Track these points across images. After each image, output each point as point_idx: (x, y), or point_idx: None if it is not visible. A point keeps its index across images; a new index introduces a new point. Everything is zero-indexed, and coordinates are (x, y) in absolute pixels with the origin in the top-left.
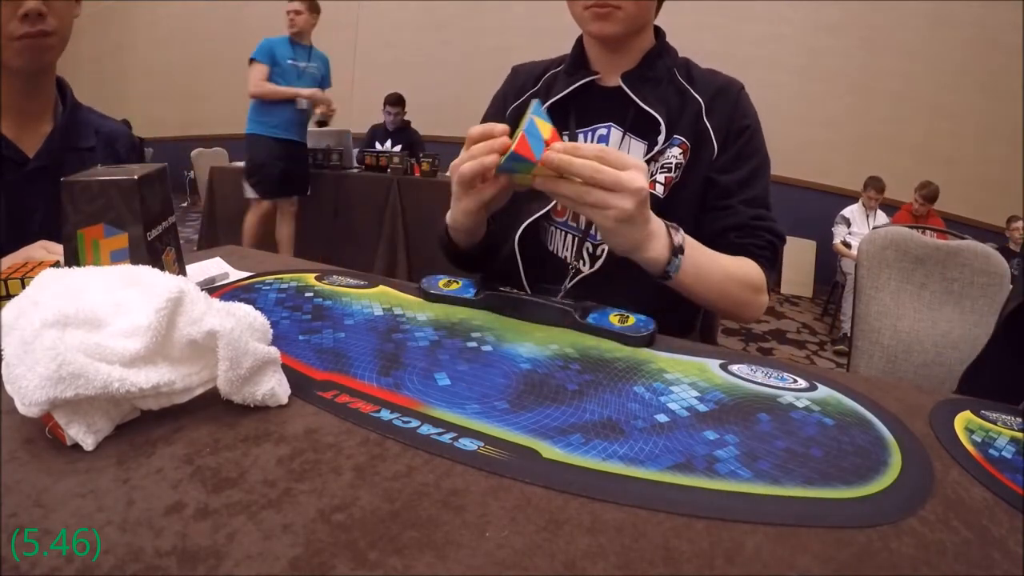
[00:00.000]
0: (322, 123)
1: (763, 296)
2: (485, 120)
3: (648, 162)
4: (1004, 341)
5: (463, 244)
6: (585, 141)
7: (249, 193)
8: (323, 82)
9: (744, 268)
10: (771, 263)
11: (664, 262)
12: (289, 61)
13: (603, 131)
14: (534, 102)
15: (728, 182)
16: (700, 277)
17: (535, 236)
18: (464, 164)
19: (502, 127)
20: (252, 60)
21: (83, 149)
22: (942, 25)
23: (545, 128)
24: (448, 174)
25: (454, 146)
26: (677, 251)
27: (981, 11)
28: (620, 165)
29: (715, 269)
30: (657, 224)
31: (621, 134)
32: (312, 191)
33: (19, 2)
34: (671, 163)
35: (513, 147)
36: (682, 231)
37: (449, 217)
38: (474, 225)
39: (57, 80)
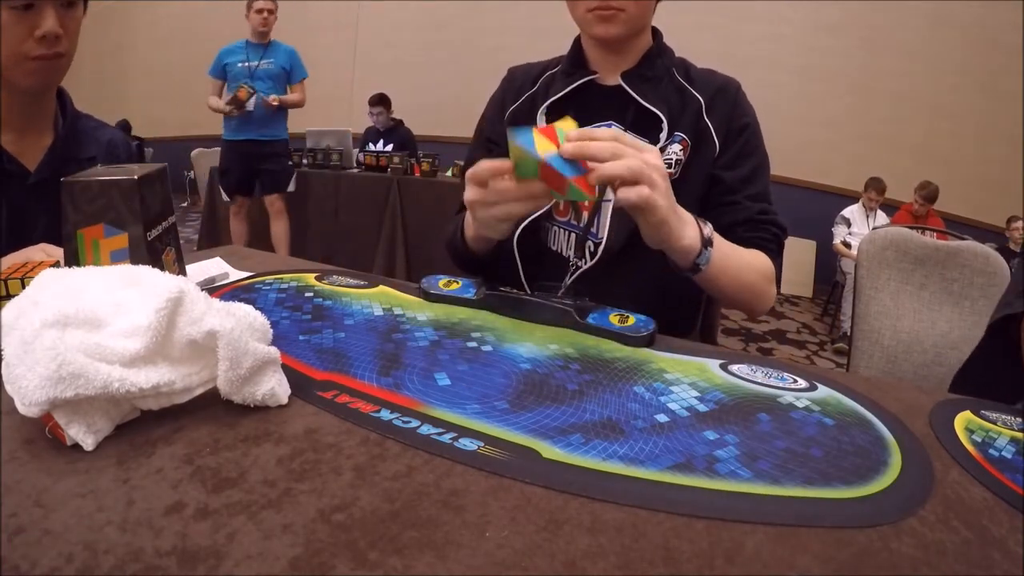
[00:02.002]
0: (237, 104)
1: (773, 287)
2: (483, 123)
3: None
4: (995, 343)
5: (481, 251)
6: None
7: (223, 196)
8: (291, 75)
9: (758, 259)
10: (777, 255)
11: (695, 253)
12: (240, 64)
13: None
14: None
15: (732, 179)
16: (725, 269)
17: (535, 235)
18: (493, 211)
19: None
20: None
21: (84, 160)
22: (942, 25)
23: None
24: (464, 192)
25: (453, 146)
26: (707, 243)
27: (981, 11)
28: (635, 146)
29: (736, 261)
30: (686, 214)
31: (622, 132)
32: (312, 191)
33: (35, 21)
34: (671, 159)
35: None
36: (710, 225)
37: (471, 230)
38: (502, 235)
39: (57, 89)
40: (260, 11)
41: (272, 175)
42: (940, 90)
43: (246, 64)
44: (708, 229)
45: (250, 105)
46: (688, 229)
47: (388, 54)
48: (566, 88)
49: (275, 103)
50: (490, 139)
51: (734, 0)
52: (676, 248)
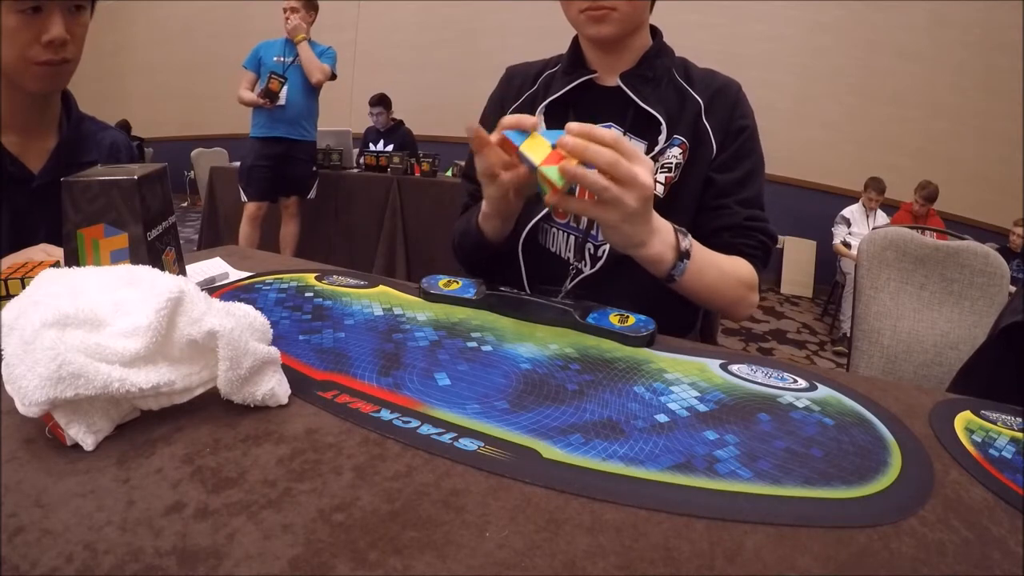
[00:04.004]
0: (270, 96)
1: (754, 295)
2: (483, 122)
3: None
4: (1000, 349)
5: (495, 236)
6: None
7: (242, 196)
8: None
9: (737, 267)
10: (763, 262)
11: (668, 264)
12: (275, 59)
13: None
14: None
15: (725, 182)
16: (701, 279)
17: (534, 237)
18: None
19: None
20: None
21: (87, 164)
22: (942, 25)
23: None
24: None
25: (453, 146)
26: (683, 256)
27: (981, 11)
28: (633, 157)
29: (712, 269)
30: (661, 224)
31: (621, 133)
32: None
33: (43, 25)
34: (671, 163)
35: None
36: (690, 236)
37: (487, 205)
38: (505, 211)
39: (62, 91)
40: (284, 10)
41: (296, 178)
42: (940, 90)
43: (280, 59)
44: (686, 243)
45: (281, 98)
46: (657, 240)
47: (388, 54)
48: (565, 88)
49: (299, 33)
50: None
51: (734, 0)
52: (642, 256)
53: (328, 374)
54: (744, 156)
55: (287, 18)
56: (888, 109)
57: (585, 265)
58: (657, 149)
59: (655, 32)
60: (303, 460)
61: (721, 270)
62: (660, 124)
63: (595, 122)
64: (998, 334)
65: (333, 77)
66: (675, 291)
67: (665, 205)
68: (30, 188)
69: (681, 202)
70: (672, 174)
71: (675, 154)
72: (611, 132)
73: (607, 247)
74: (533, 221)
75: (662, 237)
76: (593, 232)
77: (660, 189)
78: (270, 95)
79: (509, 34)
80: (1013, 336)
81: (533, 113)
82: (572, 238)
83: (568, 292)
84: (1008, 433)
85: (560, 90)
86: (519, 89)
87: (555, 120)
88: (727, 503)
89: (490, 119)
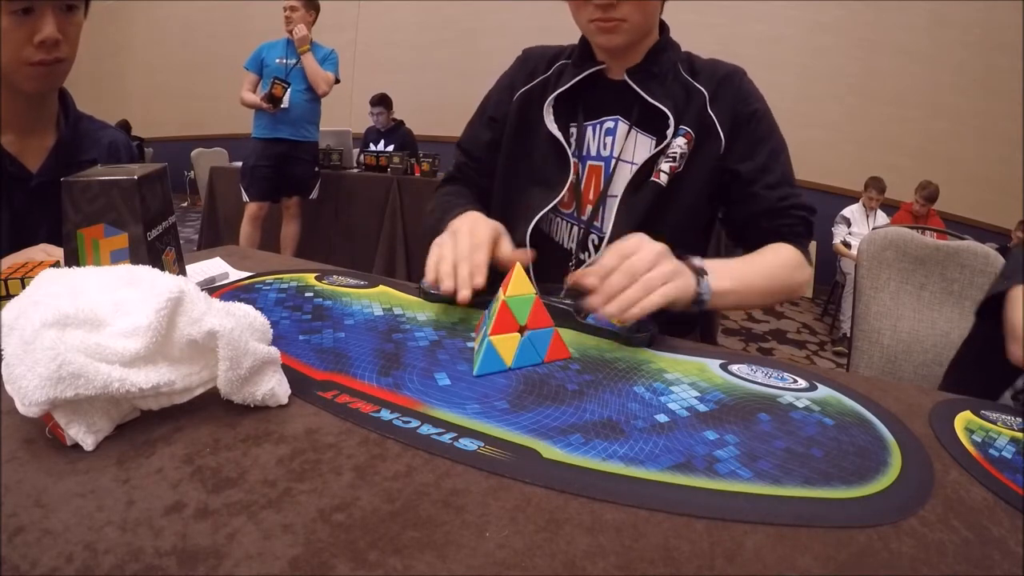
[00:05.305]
0: (273, 101)
1: (803, 270)
2: (488, 101)
3: (657, 156)
4: (984, 328)
5: None
6: (593, 133)
7: (243, 196)
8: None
9: (778, 256)
10: (807, 237)
11: (695, 286)
12: (277, 60)
13: (610, 124)
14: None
15: (748, 170)
16: (742, 284)
17: (539, 226)
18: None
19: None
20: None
21: (86, 162)
22: (942, 25)
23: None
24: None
25: (454, 146)
26: (700, 272)
27: (981, 11)
28: (629, 253)
29: (752, 273)
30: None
31: (628, 127)
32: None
33: (35, 26)
34: (675, 152)
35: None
36: (696, 258)
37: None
38: None
39: (59, 90)
40: (284, 10)
41: (298, 178)
42: (940, 90)
43: (283, 61)
44: (697, 261)
45: (284, 102)
46: (684, 275)
47: (388, 54)
48: (572, 80)
49: (305, 44)
50: (492, 117)
51: (734, 0)
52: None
53: (328, 374)
54: (761, 140)
55: (287, 17)
56: (888, 109)
57: (588, 255)
58: (664, 143)
59: (662, 27)
60: (303, 460)
61: (758, 269)
62: (668, 118)
63: (603, 115)
64: (976, 318)
65: (336, 81)
66: (720, 308)
67: (668, 195)
68: (29, 187)
69: (684, 190)
70: (676, 163)
71: (680, 144)
72: (598, 267)
73: (608, 238)
74: (541, 214)
75: (683, 270)
76: (597, 223)
77: (664, 179)
78: (273, 100)
79: (509, 34)
80: (991, 313)
81: (543, 99)
82: (576, 228)
83: (570, 289)
84: (1008, 433)
85: (568, 82)
86: (532, 72)
87: (564, 113)
88: (727, 503)
89: (496, 100)
